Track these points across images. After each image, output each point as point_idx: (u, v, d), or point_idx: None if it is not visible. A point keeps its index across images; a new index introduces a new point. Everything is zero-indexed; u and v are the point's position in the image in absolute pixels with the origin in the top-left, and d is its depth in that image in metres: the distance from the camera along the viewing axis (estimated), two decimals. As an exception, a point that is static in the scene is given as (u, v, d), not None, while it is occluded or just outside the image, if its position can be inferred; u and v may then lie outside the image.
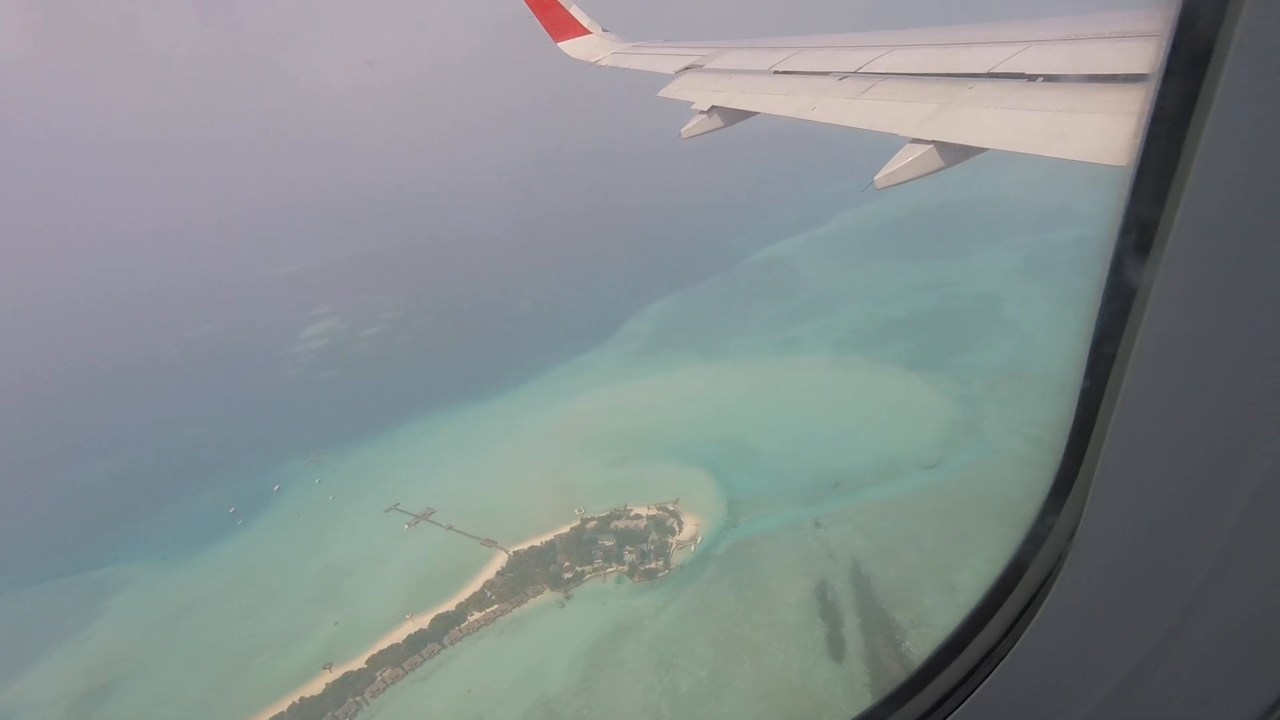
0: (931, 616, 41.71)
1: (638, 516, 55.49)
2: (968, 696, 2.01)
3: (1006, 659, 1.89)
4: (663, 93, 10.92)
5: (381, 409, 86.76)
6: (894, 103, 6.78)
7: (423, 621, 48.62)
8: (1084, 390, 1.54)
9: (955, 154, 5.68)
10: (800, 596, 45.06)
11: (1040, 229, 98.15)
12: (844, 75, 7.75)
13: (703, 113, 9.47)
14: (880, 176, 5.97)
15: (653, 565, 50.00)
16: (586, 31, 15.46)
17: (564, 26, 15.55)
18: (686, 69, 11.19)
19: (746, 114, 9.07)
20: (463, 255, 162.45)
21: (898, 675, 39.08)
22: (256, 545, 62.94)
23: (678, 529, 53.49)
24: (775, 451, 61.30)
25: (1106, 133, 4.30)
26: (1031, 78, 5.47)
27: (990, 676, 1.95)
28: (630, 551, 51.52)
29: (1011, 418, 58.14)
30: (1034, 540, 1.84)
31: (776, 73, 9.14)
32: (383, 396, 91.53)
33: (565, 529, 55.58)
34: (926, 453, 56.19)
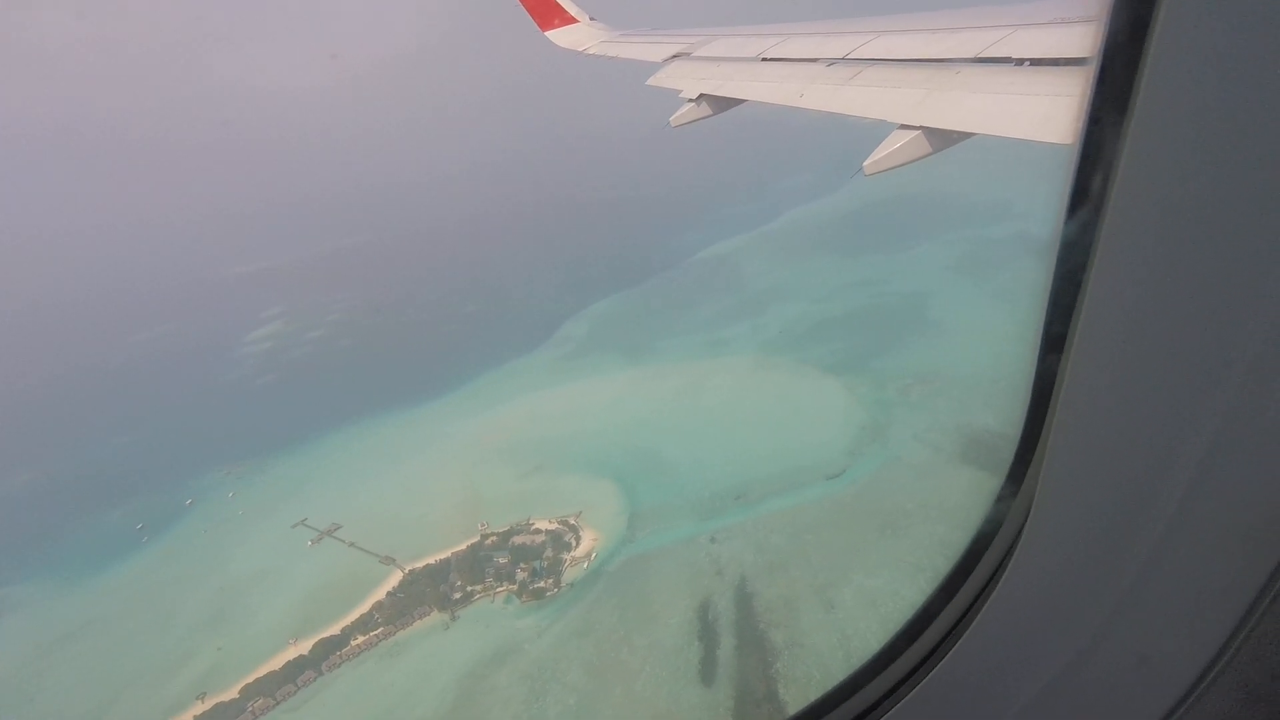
0: (807, 637, 41.09)
1: (538, 531, 54.51)
2: (920, 682, 2.02)
3: (960, 642, 1.92)
4: (651, 81, 10.87)
5: (309, 416, 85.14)
6: (882, 88, 6.77)
7: (305, 646, 47.53)
8: (1036, 375, 1.56)
9: (943, 139, 5.66)
10: (682, 617, 44.30)
11: (982, 224, 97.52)
12: (832, 61, 7.75)
13: (691, 101, 9.40)
14: (869, 163, 5.92)
15: (543, 584, 49.07)
16: (574, 20, 15.39)
17: (551, 15, 15.48)
18: (674, 57, 11.12)
19: (735, 101, 9.03)
20: (423, 251, 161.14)
21: (766, 698, 38.57)
22: (157, 564, 61.48)
23: (575, 544, 52.57)
24: (684, 461, 60.41)
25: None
26: (1019, 62, 5.45)
27: (943, 662, 1.97)
28: (523, 569, 50.59)
29: (918, 423, 57.55)
30: (991, 524, 1.88)
31: (764, 60, 9.11)
32: (313, 403, 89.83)
33: (464, 545, 54.58)
34: (832, 461, 55.46)
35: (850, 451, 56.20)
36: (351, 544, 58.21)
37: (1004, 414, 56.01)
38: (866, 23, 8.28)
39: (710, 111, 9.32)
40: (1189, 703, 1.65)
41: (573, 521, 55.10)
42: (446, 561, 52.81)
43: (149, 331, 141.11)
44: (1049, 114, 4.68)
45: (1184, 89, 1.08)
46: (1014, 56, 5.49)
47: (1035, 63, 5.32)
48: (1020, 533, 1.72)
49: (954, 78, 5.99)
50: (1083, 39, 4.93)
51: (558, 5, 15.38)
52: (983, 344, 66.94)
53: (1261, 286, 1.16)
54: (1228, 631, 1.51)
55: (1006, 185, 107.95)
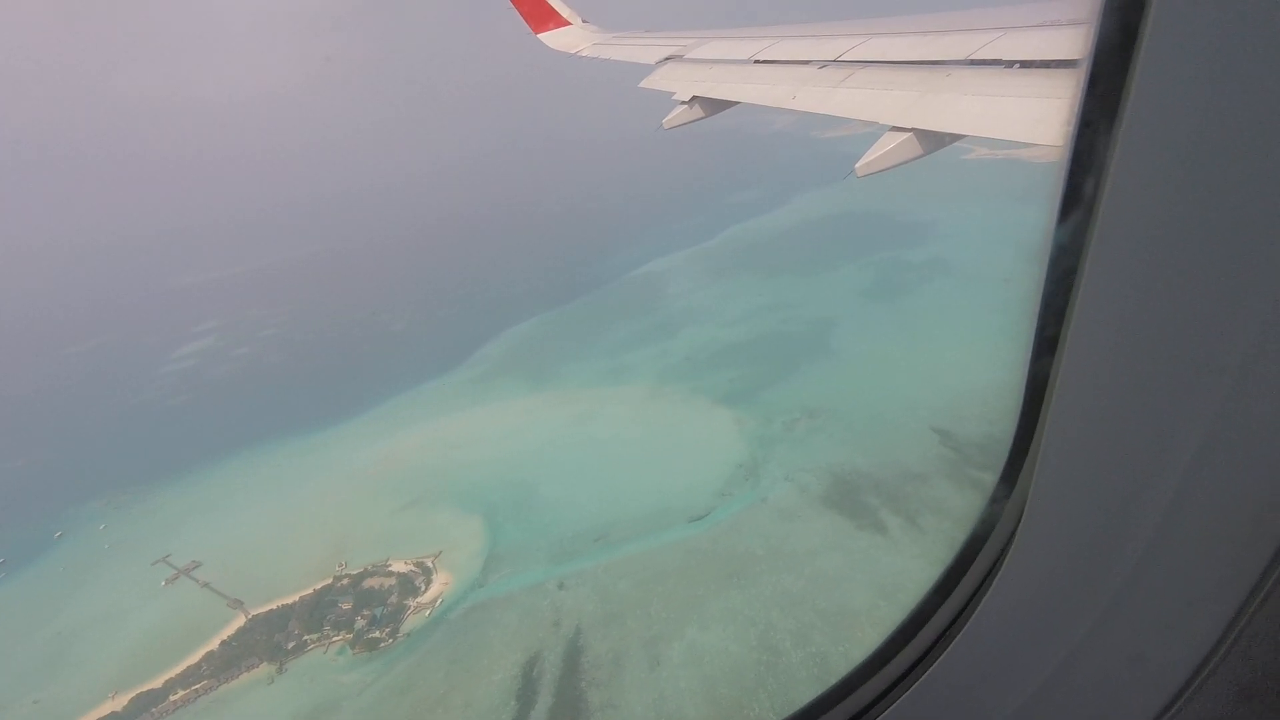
0: (623, 697, 39.31)
1: (391, 573, 52.48)
2: (915, 682, 2.04)
3: (955, 642, 1.94)
4: (644, 83, 10.85)
5: (207, 441, 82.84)
6: (873, 90, 6.77)
7: (122, 701, 45.26)
8: (1028, 378, 1.59)
9: (935, 141, 5.67)
10: (508, 673, 42.38)
11: (905, 245, 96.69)
12: (824, 64, 7.76)
13: (684, 103, 9.40)
14: (861, 164, 5.89)
15: (379, 634, 47.01)
16: (566, 22, 15.42)
17: (544, 17, 15.50)
18: (667, 59, 11.10)
19: (728, 103, 9.03)
20: (373, 264, 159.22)
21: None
22: (7, 603, 58.92)
23: (424, 589, 50.56)
24: (559, 497, 58.59)
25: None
26: (1009, 64, 5.50)
27: (938, 661, 1.98)
28: (363, 616, 48.53)
29: (794, 461, 56.05)
30: (985, 525, 1.89)
31: (757, 62, 9.08)
32: (216, 427, 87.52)
33: (316, 587, 52.48)
34: (699, 503, 53.79)
35: (720, 492, 54.54)
36: (205, 585, 55.93)
37: (878, 452, 54.83)
38: (858, 25, 8.30)
39: (703, 113, 9.31)
40: (1181, 701, 1.65)
41: (430, 563, 53.11)
42: (293, 606, 50.67)
43: (82, 345, 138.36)
44: (1040, 116, 4.67)
45: (1174, 92, 1.08)
46: (1005, 59, 5.53)
47: (1026, 65, 5.32)
48: (1014, 533, 1.72)
49: (945, 80, 5.99)
50: (1072, 42, 5.06)
51: (550, 8, 15.37)
52: (874, 376, 65.73)
53: (1251, 289, 1.17)
54: (1219, 631, 1.52)
55: (945, 204, 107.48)
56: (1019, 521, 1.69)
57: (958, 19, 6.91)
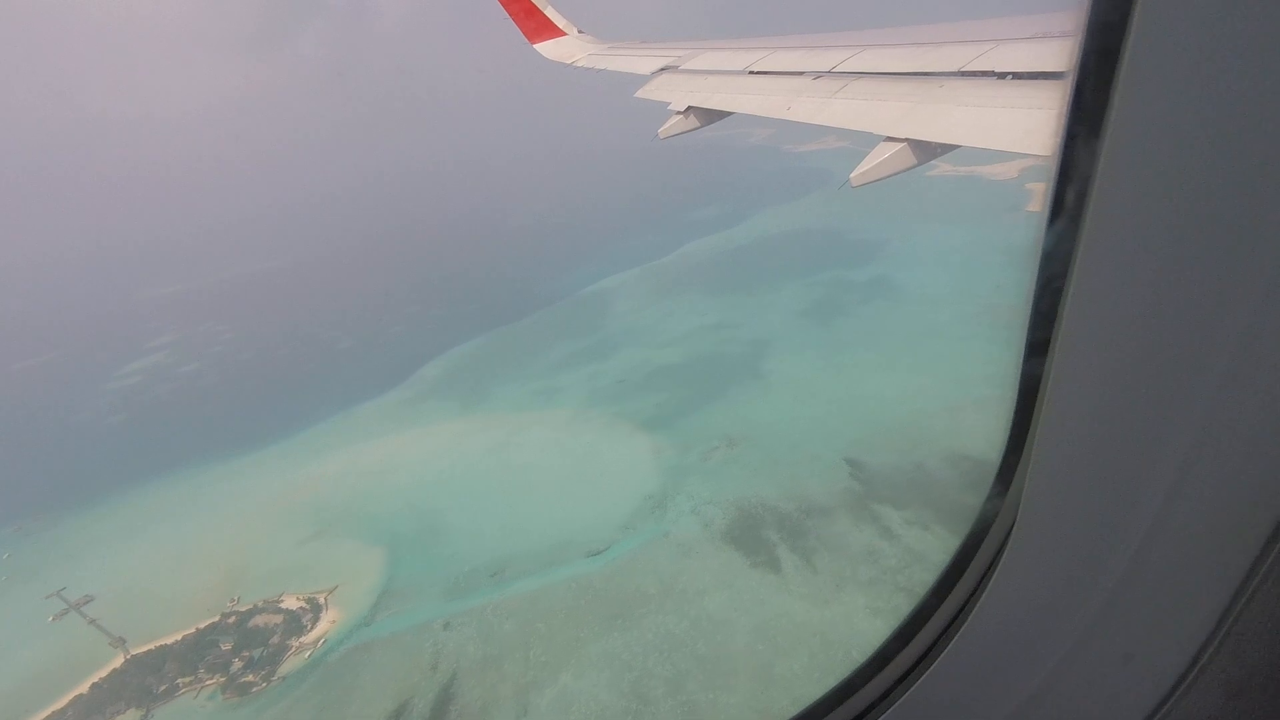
0: (485, 752, 37.57)
1: (280, 610, 50.61)
2: (913, 685, 2.07)
3: (956, 639, 1.96)
4: (639, 93, 10.87)
5: (132, 464, 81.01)
6: (867, 101, 6.82)
7: (-24, 750, 43.23)
8: (1020, 381, 1.61)
9: (928, 151, 5.75)
10: (374, 722, 40.56)
11: (852, 264, 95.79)
12: (818, 75, 7.85)
13: (679, 113, 9.44)
14: (855, 174, 5.91)
15: (252, 677, 45.10)
16: (562, 33, 15.35)
17: (539, 28, 15.44)
18: (663, 69, 11.14)
19: (722, 114, 9.09)
20: (336, 277, 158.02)
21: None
22: (-111, 640, 56.67)
23: (309, 628, 48.70)
24: (464, 528, 56.90)
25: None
26: (1001, 75, 5.56)
27: (936, 663, 2.01)
28: (241, 658, 46.64)
29: (703, 493, 54.54)
30: (981, 527, 1.91)
31: (752, 73, 9.17)
32: (144, 449, 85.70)
33: (200, 626, 50.54)
34: (601, 536, 52.16)
35: (624, 525, 52.92)
36: (92, 621, 53.89)
37: (788, 484, 53.35)
38: (852, 36, 8.34)
39: (698, 123, 9.32)
40: (1174, 699, 1.68)
41: (322, 599, 51.27)
42: (171, 646, 48.71)
43: (31, 360, 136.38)
44: (1031, 127, 4.74)
45: (1158, 99, 1.11)
46: (996, 70, 5.62)
47: (1017, 77, 5.43)
48: (1009, 535, 1.74)
49: (938, 91, 6.06)
50: (1062, 54, 3.62)
51: (546, 18, 15.28)
52: (799, 401, 64.45)
53: (1237, 292, 1.20)
54: (1210, 628, 1.55)
55: (900, 221, 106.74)
56: (1014, 523, 1.69)
57: (950, 31, 6.96)
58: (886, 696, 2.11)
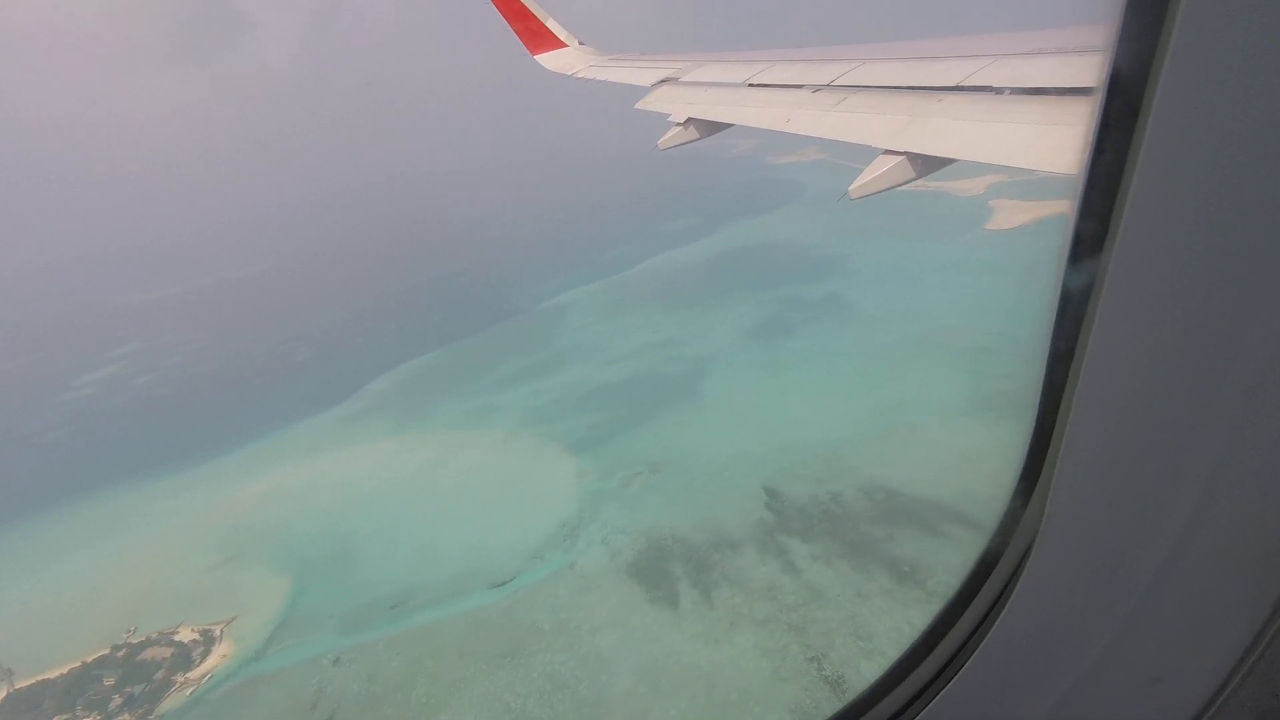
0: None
1: (174, 642, 48.82)
2: (935, 697, 2.03)
3: (978, 652, 1.92)
4: (639, 105, 10.85)
5: (64, 481, 79.40)
6: (866, 114, 6.83)
7: None
8: (1043, 393, 1.59)
9: (926, 164, 5.77)
10: (242, 766, 38.79)
11: (808, 280, 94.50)
12: (818, 88, 7.88)
13: (679, 125, 9.43)
14: (854, 187, 5.93)
15: (128, 717, 43.30)
16: (563, 44, 15.37)
17: (540, 39, 15.44)
18: (663, 81, 11.16)
19: (722, 126, 9.13)
20: (309, 283, 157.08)
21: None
22: None
23: (198, 661, 46.91)
24: (376, 555, 55.20)
25: (1069, 144, 4.42)
26: (998, 90, 5.58)
27: (958, 676, 1.97)
28: (122, 694, 44.84)
29: (617, 521, 52.89)
30: (1002, 539, 1.88)
31: (751, 85, 9.18)
32: (80, 465, 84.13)
33: (88, 658, 48.76)
34: (507, 566, 50.46)
35: (534, 554, 51.24)
36: (-16, 649, 52.11)
37: (703, 513, 51.68)
38: (851, 50, 8.38)
39: (698, 135, 9.33)
40: None
41: (218, 631, 49.50)
42: (54, 680, 46.93)
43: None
44: (1028, 141, 4.71)
45: (1194, 115, 1.10)
46: (994, 85, 5.63)
47: (1015, 91, 5.42)
48: (1030, 548, 1.70)
49: (937, 105, 6.08)
50: (1060, 70, 5.25)
51: (547, 30, 15.27)
52: (730, 425, 62.93)
53: (1269, 304, 1.19)
54: (1239, 653, 1.49)
55: (863, 236, 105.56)
56: (1036, 534, 1.64)
57: (948, 46, 6.96)
58: (904, 711, 2.04)
